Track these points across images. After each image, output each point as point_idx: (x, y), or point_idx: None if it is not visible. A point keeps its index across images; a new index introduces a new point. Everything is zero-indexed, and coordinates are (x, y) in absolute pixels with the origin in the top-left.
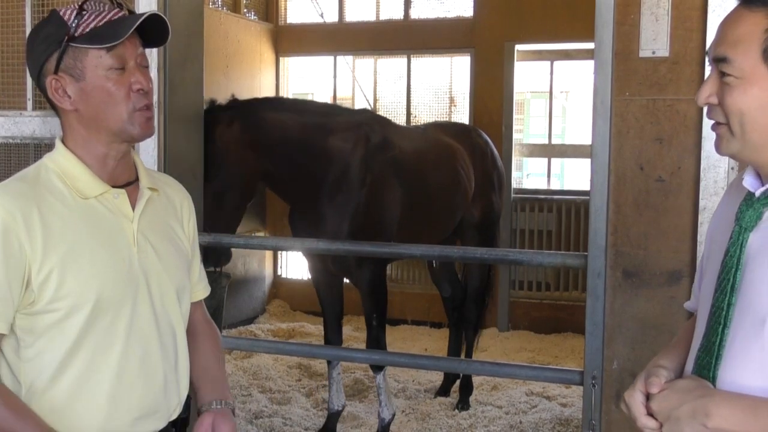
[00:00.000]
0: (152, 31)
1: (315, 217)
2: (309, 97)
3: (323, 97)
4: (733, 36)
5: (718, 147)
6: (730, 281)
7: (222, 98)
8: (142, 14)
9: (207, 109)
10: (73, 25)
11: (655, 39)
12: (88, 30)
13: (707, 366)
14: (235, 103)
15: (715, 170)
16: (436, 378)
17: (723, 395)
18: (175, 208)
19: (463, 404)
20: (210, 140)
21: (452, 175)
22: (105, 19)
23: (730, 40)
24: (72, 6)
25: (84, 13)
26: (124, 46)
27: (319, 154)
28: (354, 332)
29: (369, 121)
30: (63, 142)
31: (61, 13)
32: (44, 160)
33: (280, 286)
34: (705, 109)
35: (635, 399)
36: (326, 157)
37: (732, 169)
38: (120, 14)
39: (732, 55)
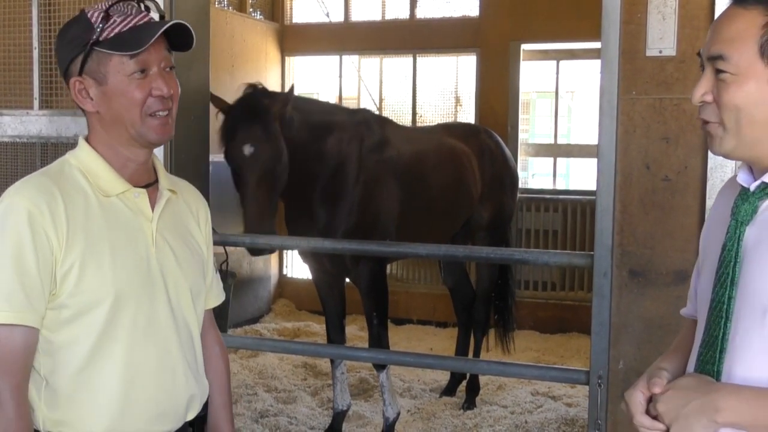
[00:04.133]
0: (178, 35)
1: (309, 215)
2: (314, 97)
3: (329, 96)
4: (729, 34)
5: (712, 146)
6: (730, 275)
7: (227, 98)
8: (167, 22)
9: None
10: (99, 29)
11: (662, 38)
12: (112, 35)
13: (711, 360)
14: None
15: (722, 169)
16: (441, 377)
17: (729, 388)
18: (191, 212)
19: (469, 404)
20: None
21: (454, 176)
22: (130, 24)
23: (725, 38)
24: (100, 7)
25: (110, 17)
26: (147, 51)
27: (316, 153)
28: (359, 332)
29: (367, 120)
30: (87, 140)
31: (88, 15)
32: (67, 156)
33: (285, 286)
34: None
35: (634, 398)
36: (322, 157)
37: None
38: (146, 19)
39: (728, 52)
